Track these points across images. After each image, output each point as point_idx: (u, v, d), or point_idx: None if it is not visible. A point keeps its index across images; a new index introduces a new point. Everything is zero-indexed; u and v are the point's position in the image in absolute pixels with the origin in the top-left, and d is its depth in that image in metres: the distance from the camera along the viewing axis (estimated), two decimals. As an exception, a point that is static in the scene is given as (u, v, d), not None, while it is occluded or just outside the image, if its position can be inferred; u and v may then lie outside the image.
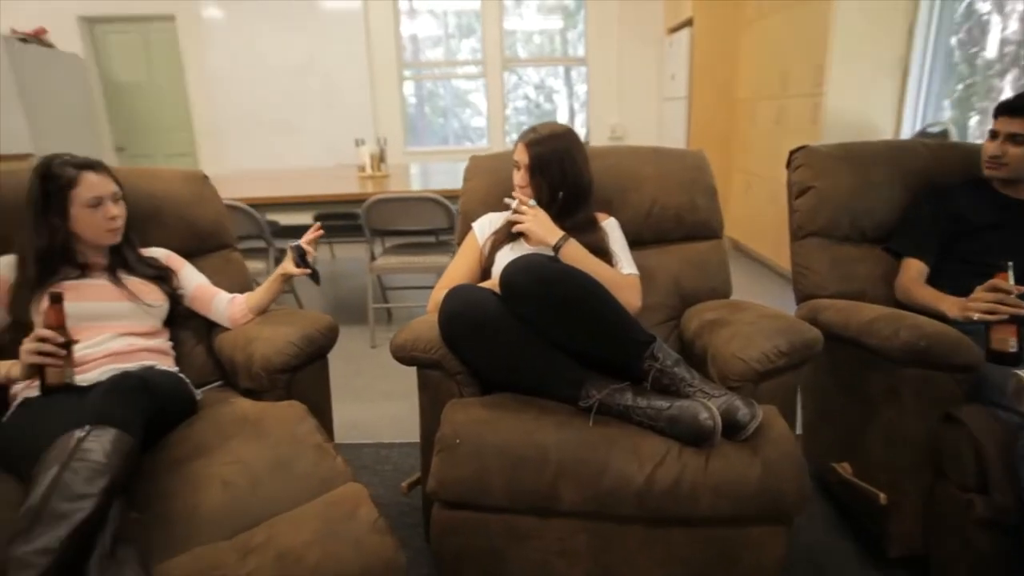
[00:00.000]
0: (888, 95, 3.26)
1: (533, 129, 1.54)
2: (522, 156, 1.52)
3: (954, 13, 3.03)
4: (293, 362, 1.35)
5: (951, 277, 1.53)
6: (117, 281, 1.39)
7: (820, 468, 1.65)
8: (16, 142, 4.68)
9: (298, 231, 5.02)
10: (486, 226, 1.66)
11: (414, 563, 1.47)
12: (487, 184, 1.80)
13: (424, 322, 1.36)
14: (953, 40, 3.07)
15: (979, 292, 1.32)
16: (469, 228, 1.70)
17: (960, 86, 3.13)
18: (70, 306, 1.21)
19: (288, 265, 1.48)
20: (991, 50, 2.89)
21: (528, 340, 1.24)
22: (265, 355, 1.34)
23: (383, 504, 1.68)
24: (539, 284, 1.21)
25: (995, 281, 1.29)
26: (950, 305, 1.40)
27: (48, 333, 1.14)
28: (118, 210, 1.37)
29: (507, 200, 1.52)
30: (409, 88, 5.85)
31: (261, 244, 2.95)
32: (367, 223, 2.80)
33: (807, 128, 3.40)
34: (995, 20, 2.86)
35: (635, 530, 1.17)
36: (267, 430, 1.19)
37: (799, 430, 1.81)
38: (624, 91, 5.48)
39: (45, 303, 1.17)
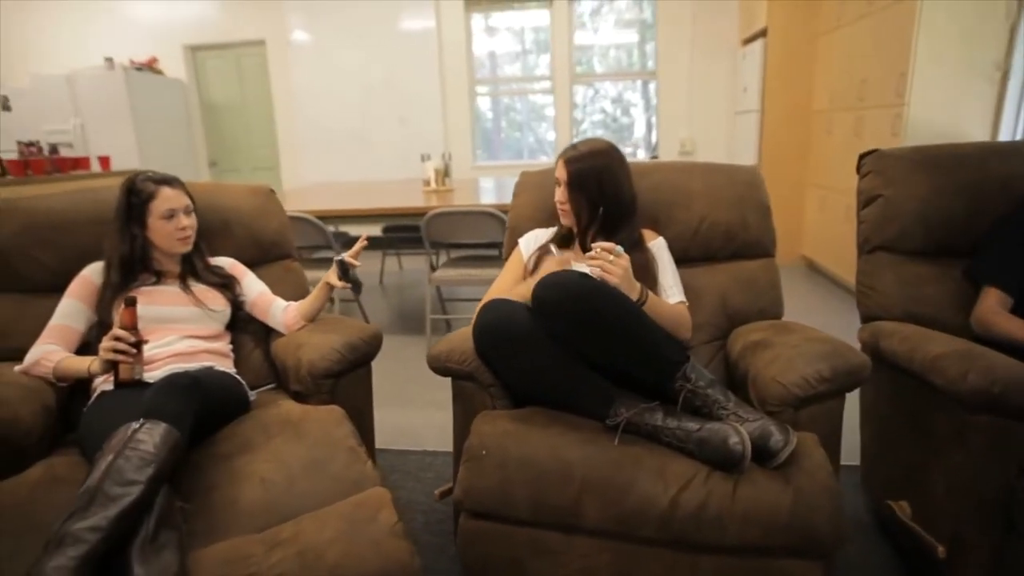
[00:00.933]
0: (983, 102, 3.02)
1: (574, 147, 1.54)
2: (561, 173, 1.53)
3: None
4: (336, 368, 1.42)
5: None
6: (186, 288, 1.52)
7: (878, 503, 1.55)
8: (127, 159, 5.19)
9: (371, 242, 5.22)
10: (531, 242, 1.68)
11: (448, 572, 1.50)
12: (535, 199, 1.82)
13: (460, 335, 1.40)
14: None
15: None
16: (516, 243, 1.73)
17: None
18: (143, 309, 1.34)
19: (331, 277, 1.55)
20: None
21: (558, 356, 1.25)
22: (311, 360, 1.42)
23: (421, 511, 1.74)
24: (570, 300, 1.22)
25: None
26: None
27: (122, 333, 1.25)
28: (189, 221, 1.50)
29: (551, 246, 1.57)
30: (486, 103, 6.00)
31: (330, 254, 3.11)
32: (427, 235, 2.90)
33: (887, 140, 3.20)
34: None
35: (661, 554, 1.14)
36: (306, 432, 1.26)
37: (857, 462, 1.71)
38: (695, 104, 5.37)
39: (122, 306, 1.30)
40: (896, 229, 1.61)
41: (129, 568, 0.88)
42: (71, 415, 1.38)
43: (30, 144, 4.26)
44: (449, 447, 2.08)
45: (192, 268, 1.57)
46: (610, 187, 1.51)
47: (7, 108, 5.44)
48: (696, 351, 1.57)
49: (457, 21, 5.53)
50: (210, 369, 1.41)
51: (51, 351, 1.37)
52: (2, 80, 5.62)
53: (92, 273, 1.47)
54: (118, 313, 1.32)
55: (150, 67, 5.64)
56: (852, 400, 1.68)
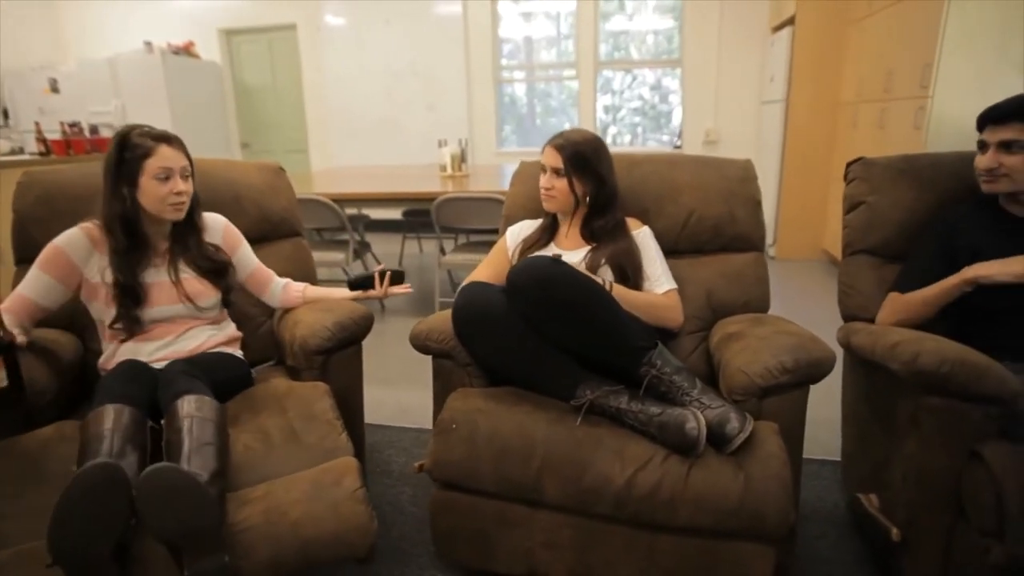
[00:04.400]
0: (1012, 91, 2.89)
1: (561, 134, 1.59)
2: (550, 159, 1.58)
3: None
4: (326, 345, 1.50)
5: (973, 322, 1.36)
6: (176, 279, 1.45)
7: (850, 499, 1.56)
8: (162, 140, 5.37)
9: (387, 225, 5.33)
10: (517, 233, 1.73)
11: (429, 542, 1.57)
12: (528, 189, 1.86)
13: (441, 315, 1.46)
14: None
15: None
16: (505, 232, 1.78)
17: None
18: (138, 311, 1.39)
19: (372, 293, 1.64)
20: None
21: (527, 338, 1.30)
22: (304, 336, 1.51)
23: (410, 484, 1.82)
24: (540, 285, 1.27)
25: None
26: (989, 267, 1.28)
27: None
28: (185, 186, 1.39)
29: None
30: (521, 88, 6.02)
31: (344, 236, 3.21)
32: (437, 220, 2.97)
33: (909, 133, 3.12)
34: None
35: (620, 531, 1.20)
36: (290, 406, 1.34)
37: (838, 456, 1.72)
38: (722, 94, 5.28)
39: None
40: (879, 235, 1.63)
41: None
42: (88, 380, 1.50)
43: (73, 124, 4.48)
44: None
45: (184, 245, 1.48)
46: (595, 174, 1.57)
47: (56, 90, 5.71)
48: (679, 341, 1.61)
49: (483, 7, 5.55)
50: (211, 353, 1.48)
51: None
52: (53, 64, 5.89)
53: (66, 245, 1.37)
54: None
55: (187, 51, 5.83)
56: (837, 398, 1.70)
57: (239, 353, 1.59)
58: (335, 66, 5.85)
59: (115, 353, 1.45)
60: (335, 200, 2.99)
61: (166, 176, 1.36)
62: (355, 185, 3.64)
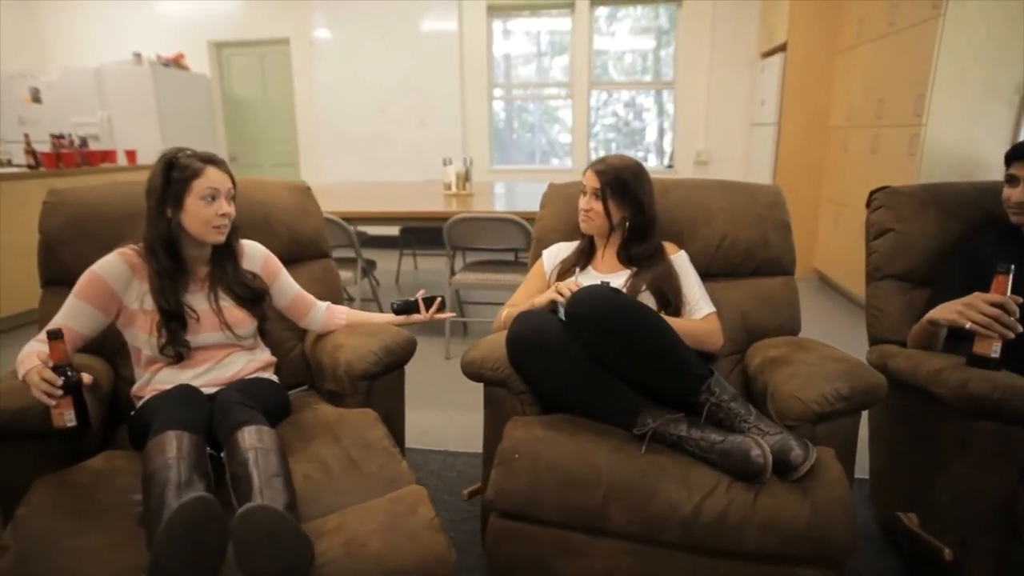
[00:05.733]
0: (1000, 124, 3.06)
1: (603, 159, 1.64)
2: (591, 181, 1.61)
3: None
4: (373, 370, 1.48)
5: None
6: (216, 307, 1.43)
7: (886, 517, 1.60)
8: (151, 153, 5.26)
9: (387, 241, 5.29)
10: (554, 255, 1.75)
11: (472, 568, 1.56)
12: (560, 211, 1.88)
13: (493, 342, 1.46)
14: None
15: (979, 301, 1.27)
16: (540, 254, 1.80)
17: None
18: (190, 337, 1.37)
19: (416, 317, 1.65)
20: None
21: (587, 367, 1.31)
22: (349, 361, 1.49)
23: (445, 508, 1.80)
24: (602, 314, 1.28)
25: (1000, 298, 1.25)
26: (941, 310, 1.36)
27: (48, 375, 1.08)
28: (230, 208, 1.39)
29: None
30: (498, 104, 6.07)
31: (350, 254, 3.18)
32: (449, 240, 2.96)
33: (903, 160, 3.25)
34: None
35: (681, 557, 1.20)
36: (343, 434, 1.33)
37: (866, 476, 1.76)
38: (712, 115, 5.42)
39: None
40: (906, 261, 1.69)
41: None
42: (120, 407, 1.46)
43: (60, 136, 4.36)
44: (471, 448, 2.16)
45: (222, 270, 1.46)
46: (636, 198, 1.61)
47: (38, 100, 5.55)
48: (716, 363, 1.64)
49: (479, 25, 5.60)
50: (256, 379, 1.46)
51: (33, 350, 1.23)
52: (35, 72, 5.73)
53: (104, 271, 1.34)
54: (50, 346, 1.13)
55: (176, 63, 5.74)
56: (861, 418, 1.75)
57: (275, 378, 1.56)
58: (327, 81, 5.83)
59: (150, 380, 1.41)
60: (344, 218, 2.97)
61: (212, 197, 1.35)
62: (355, 202, 3.62)
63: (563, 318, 1.37)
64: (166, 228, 1.35)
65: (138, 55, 5.45)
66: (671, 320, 1.50)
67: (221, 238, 1.41)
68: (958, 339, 1.45)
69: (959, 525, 1.29)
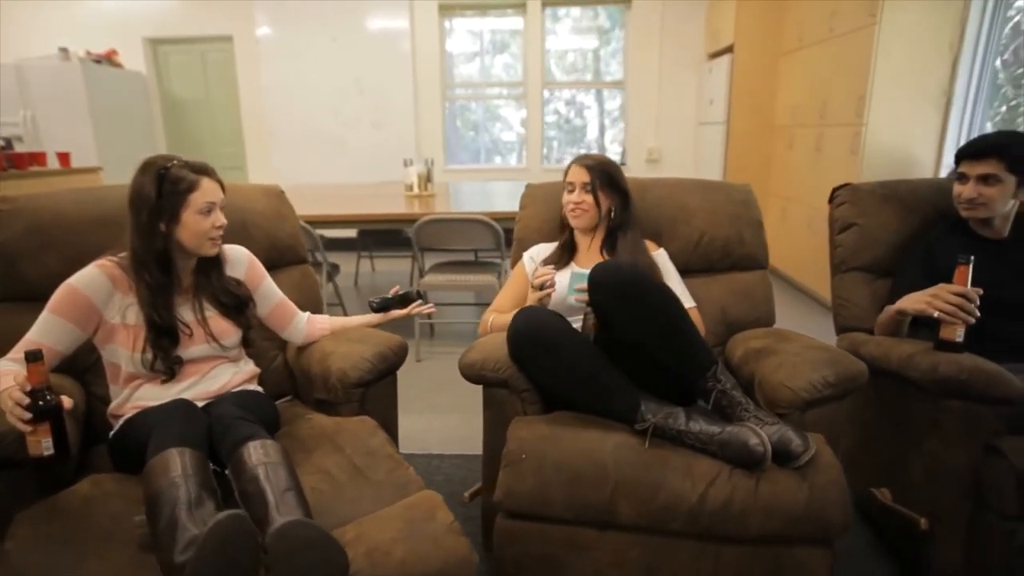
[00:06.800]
0: (930, 125, 3.29)
1: (586, 156, 1.71)
2: (579, 176, 1.66)
3: (1000, 34, 3.04)
4: (367, 377, 1.46)
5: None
6: (201, 317, 1.38)
7: (859, 494, 1.70)
8: (84, 155, 4.97)
9: (343, 243, 5.17)
10: (536, 256, 1.78)
11: (475, 570, 1.55)
12: (541, 211, 1.91)
13: (491, 342, 1.46)
14: (998, 62, 3.09)
15: (944, 291, 1.39)
16: (521, 256, 1.82)
17: (1003, 108, 3.14)
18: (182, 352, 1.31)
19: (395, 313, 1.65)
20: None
21: (590, 359, 1.34)
22: (342, 369, 1.46)
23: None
24: (629, 283, 1.33)
25: (963, 288, 1.36)
26: (908, 301, 1.48)
27: (18, 396, 1.00)
28: (224, 219, 1.34)
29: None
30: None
31: (313, 258, 3.10)
32: (417, 241, 2.93)
33: (846, 158, 3.44)
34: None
35: (687, 545, 1.25)
36: (343, 443, 1.30)
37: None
38: (662, 114, 5.57)
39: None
40: (870, 254, 1.81)
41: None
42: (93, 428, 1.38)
43: (-18, 138, 4.05)
44: (456, 450, 2.15)
45: (207, 279, 1.41)
46: (621, 188, 1.70)
47: (-51, 98, 5.13)
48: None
49: (431, 24, 5.56)
50: (246, 392, 1.41)
51: (8, 370, 1.15)
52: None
53: (84, 284, 1.26)
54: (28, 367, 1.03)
55: (108, 59, 5.43)
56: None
57: (261, 389, 1.51)
58: (275, 81, 5.64)
59: (130, 398, 1.34)
60: (309, 222, 2.89)
61: (209, 210, 1.30)
62: (313, 205, 3.52)
63: (574, 298, 1.43)
64: (162, 243, 1.29)
65: (64, 50, 5.12)
66: None
67: (216, 250, 1.37)
68: (919, 325, 1.56)
69: (933, 498, 1.39)
